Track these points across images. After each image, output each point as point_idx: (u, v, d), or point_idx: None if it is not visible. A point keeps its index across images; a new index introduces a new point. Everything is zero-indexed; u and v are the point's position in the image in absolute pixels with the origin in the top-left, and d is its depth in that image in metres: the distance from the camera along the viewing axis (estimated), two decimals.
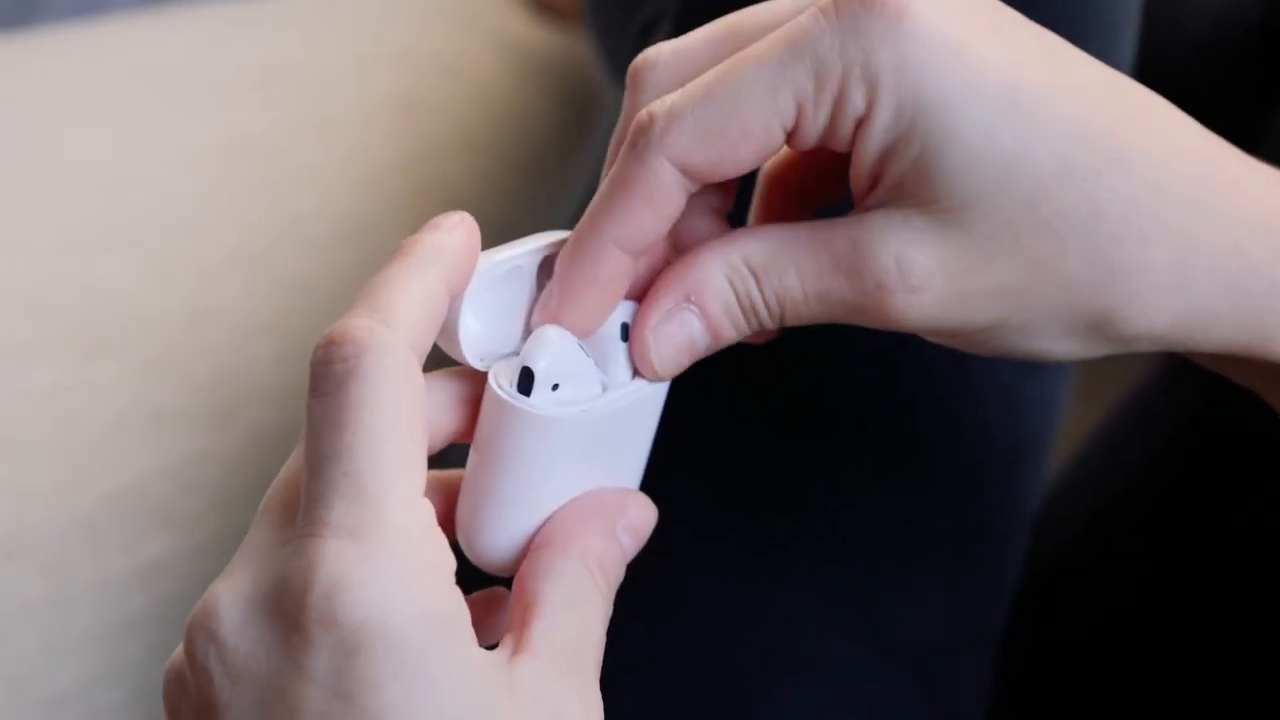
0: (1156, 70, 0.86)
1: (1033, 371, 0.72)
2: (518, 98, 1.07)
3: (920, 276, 0.50)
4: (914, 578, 0.71)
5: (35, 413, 0.85)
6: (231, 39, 1.03)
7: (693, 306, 0.52)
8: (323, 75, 1.02)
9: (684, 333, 0.52)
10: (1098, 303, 0.51)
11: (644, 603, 0.71)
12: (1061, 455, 0.90)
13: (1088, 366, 1.05)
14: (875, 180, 0.51)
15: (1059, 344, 0.52)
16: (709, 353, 0.53)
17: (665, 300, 0.52)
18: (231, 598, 0.46)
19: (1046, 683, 0.82)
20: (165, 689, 0.48)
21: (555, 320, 0.52)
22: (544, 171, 1.07)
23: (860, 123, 0.50)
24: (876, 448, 0.70)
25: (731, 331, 0.52)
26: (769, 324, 0.52)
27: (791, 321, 0.52)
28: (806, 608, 0.70)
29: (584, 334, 0.52)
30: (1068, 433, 0.92)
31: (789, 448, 0.70)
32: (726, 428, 0.70)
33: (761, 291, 0.51)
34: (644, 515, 0.53)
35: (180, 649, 0.47)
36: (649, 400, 0.53)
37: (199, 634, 0.46)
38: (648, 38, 0.78)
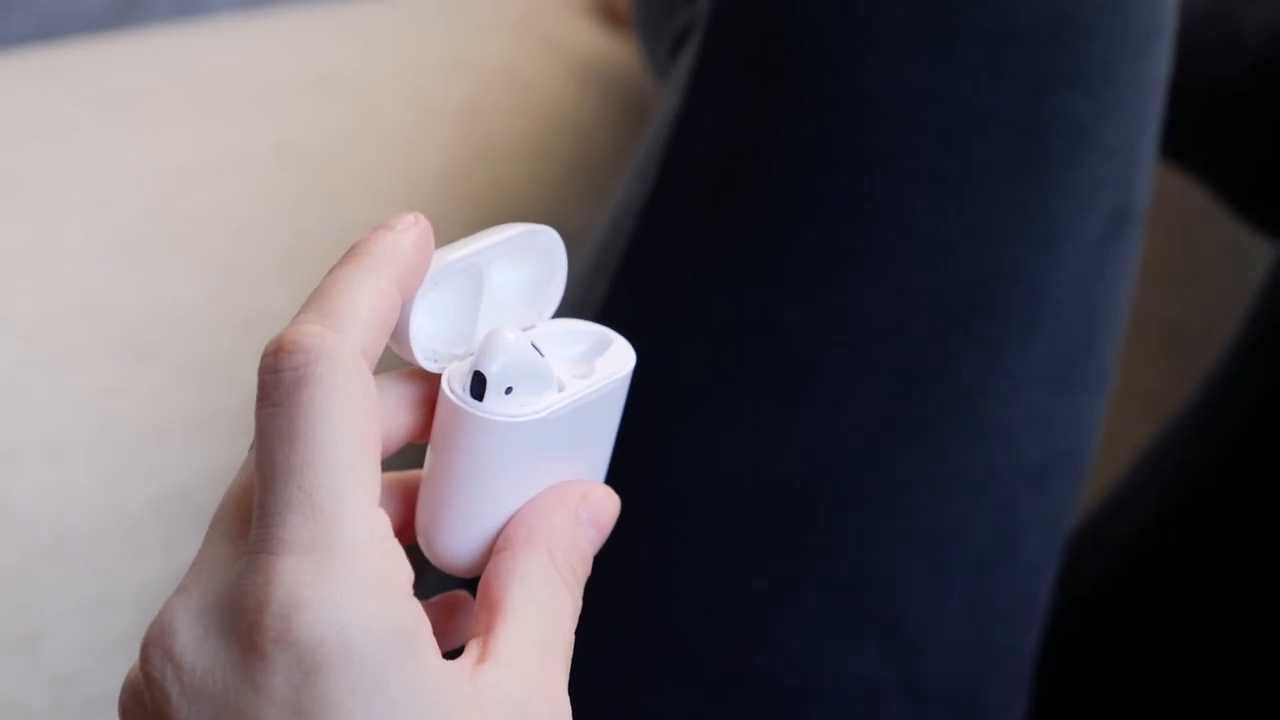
0: (1214, 87, 0.85)
1: (1064, 388, 0.71)
2: (577, 105, 1.07)
3: None
4: (939, 596, 0.70)
5: (83, 416, 0.86)
6: (289, 47, 1.04)
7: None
8: (380, 83, 1.03)
9: None
10: None
11: (660, 621, 0.70)
12: (1112, 476, 0.88)
13: (1145, 384, 1.04)
14: None
15: None
16: None
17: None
18: (186, 614, 0.46)
19: (1084, 707, 0.81)
20: (121, 706, 0.47)
21: None
22: (603, 178, 1.07)
23: None
24: (900, 465, 0.69)
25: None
26: None
27: None
28: (827, 627, 0.69)
29: None
30: (1120, 454, 0.91)
31: (814, 464, 0.70)
32: (745, 441, 0.70)
33: None
34: (607, 505, 0.52)
35: (137, 664, 0.47)
36: (609, 397, 0.52)
37: (155, 651, 0.46)
38: (681, 46, 0.78)
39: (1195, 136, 0.88)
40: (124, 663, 0.84)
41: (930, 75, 0.68)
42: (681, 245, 0.72)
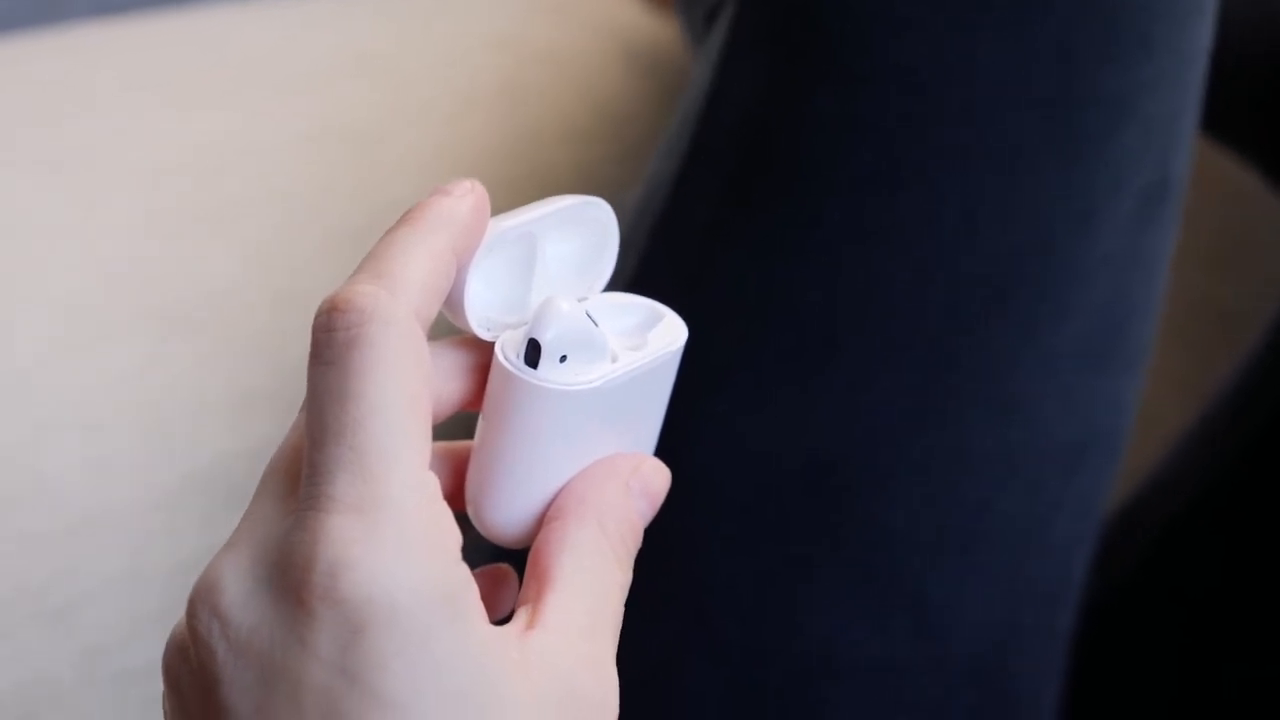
0: (1258, 60, 0.84)
1: (1096, 368, 0.71)
2: (619, 86, 1.06)
3: None
4: (966, 577, 0.70)
5: (121, 391, 0.86)
6: (332, 26, 1.04)
7: None
8: (423, 63, 1.02)
9: None
10: None
11: (682, 598, 0.70)
12: (1151, 459, 0.88)
13: (1185, 366, 1.03)
14: None
15: None
16: None
17: None
18: (234, 571, 0.46)
19: (1121, 690, 0.80)
20: (166, 661, 0.47)
21: None
22: (644, 160, 1.07)
23: None
24: (928, 442, 0.69)
25: None
26: None
27: None
28: (851, 605, 0.69)
29: None
30: (1160, 437, 0.90)
31: (839, 440, 0.69)
32: (770, 419, 0.70)
33: None
34: (658, 477, 0.51)
35: (182, 620, 0.47)
36: (661, 370, 0.52)
37: (202, 607, 0.46)
38: (716, 18, 0.77)
39: (1238, 112, 0.87)
40: (156, 637, 0.84)
41: (959, 49, 0.67)
42: (710, 220, 0.71)
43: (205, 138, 0.95)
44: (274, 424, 0.88)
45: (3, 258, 0.87)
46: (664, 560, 0.70)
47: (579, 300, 0.52)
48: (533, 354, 0.49)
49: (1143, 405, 0.75)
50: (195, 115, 0.96)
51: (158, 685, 0.48)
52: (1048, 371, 0.69)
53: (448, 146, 1.00)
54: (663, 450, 0.53)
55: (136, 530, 0.85)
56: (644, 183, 0.77)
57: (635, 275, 0.73)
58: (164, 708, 0.48)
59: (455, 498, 0.51)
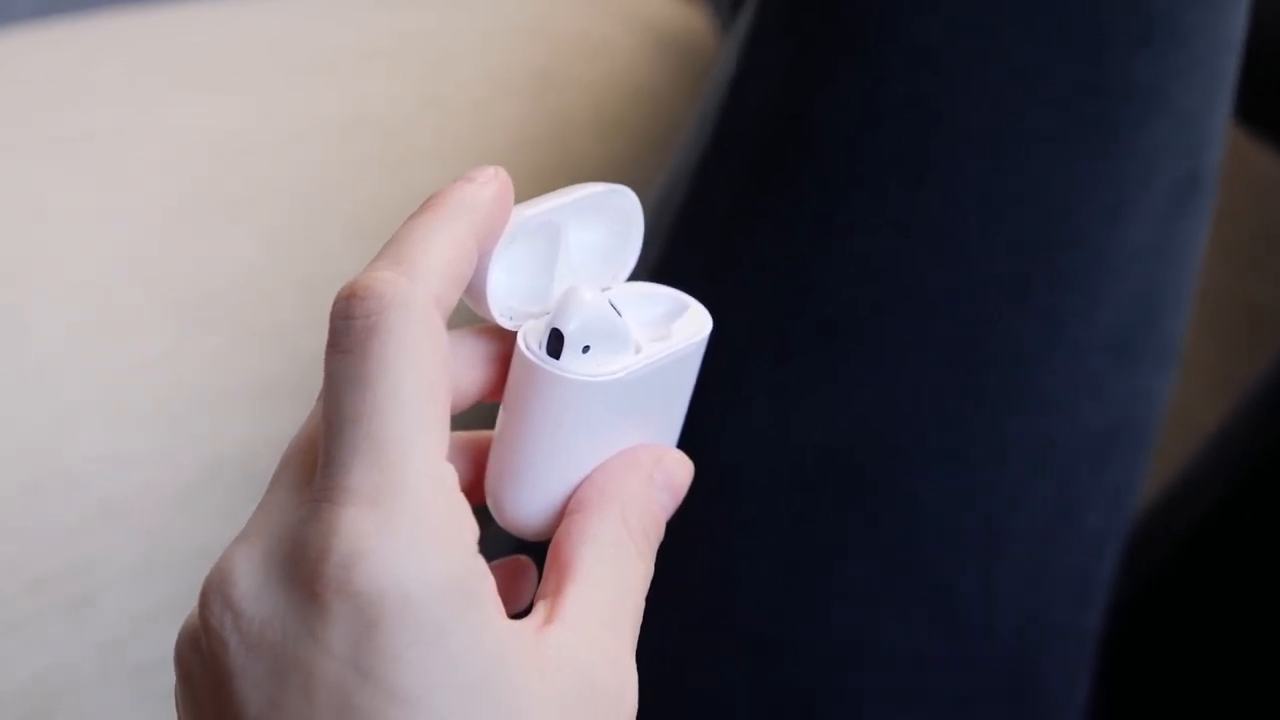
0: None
1: (1127, 362, 0.69)
2: (651, 74, 1.06)
3: None
4: (992, 568, 0.69)
5: (142, 379, 0.86)
6: (359, 12, 1.03)
7: None
8: (451, 50, 1.02)
9: None
10: None
11: (705, 589, 0.69)
12: (1184, 456, 0.87)
13: (1219, 362, 1.02)
14: None
15: None
16: None
17: None
18: (248, 562, 0.45)
19: (1149, 688, 0.79)
20: (178, 652, 0.47)
21: None
22: (675, 149, 1.06)
23: None
24: (955, 433, 0.68)
25: None
26: None
27: None
28: (875, 596, 0.68)
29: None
30: (1194, 433, 0.89)
31: (863, 432, 0.68)
32: (793, 408, 0.69)
33: None
34: (681, 470, 0.51)
35: (195, 611, 0.46)
36: (685, 361, 0.51)
37: (214, 598, 0.45)
38: (738, 8, 0.77)
39: (1271, 102, 0.85)
40: (175, 628, 0.83)
41: (984, 33, 0.66)
42: (734, 207, 0.71)
43: (230, 124, 0.95)
44: (295, 413, 0.88)
45: (23, 246, 0.86)
46: (687, 552, 0.69)
47: (603, 290, 0.52)
48: (555, 344, 0.49)
49: (1174, 401, 0.74)
50: (221, 101, 0.96)
51: (172, 679, 0.48)
52: (1077, 364, 0.68)
53: (476, 134, 0.99)
54: (687, 441, 0.52)
55: (156, 521, 0.85)
56: (668, 171, 0.76)
57: (659, 264, 0.72)
58: (176, 699, 0.47)
59: (475, 490, 0.51)
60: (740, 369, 0.69)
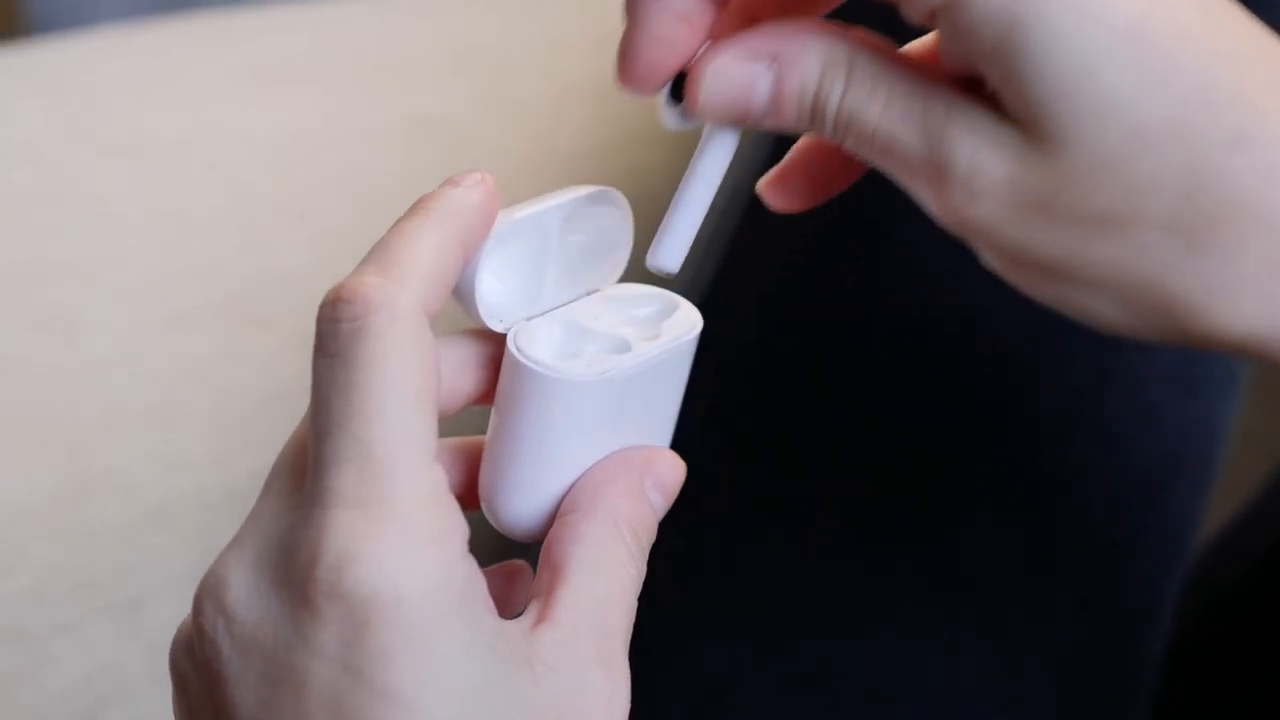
0: None
1: (1184, 390, 0.68)
2: None
3: (984, 184, 0.46)
4: (1045, 600, 0.67)
5: (192, 382, 0.86)
6: (424, 19, 1.03)
7: (773, 68, 0.48)
8: (515, 59, 1.02)
9: (747, 85, 0.48)
10: (1169, 285, 0.46)
11: (749, 617, 0.68)
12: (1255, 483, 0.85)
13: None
14: (974, 78, 0.47)
15: (1114, 311, 0.47)
16: (754, 123, 0.49)
17: (751, 45, 0.48)
18: (240, 567, 0.45)
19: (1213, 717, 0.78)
20: (172, 659, 0.48)
21: (621, 58, 0.50)
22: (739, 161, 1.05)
23: (935, 13, 0.46)
24: (1004, 462, 0.67)
25: (790, 116, 0.48)
26: (826, 132, 0.48)
27: (844, 145, 0.48)
28: (923, 627, 0.67)
29: (647, 84, 0.50)
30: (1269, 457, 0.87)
31: (911, 461, 0.67)
32: (848, 436, 0.68)
33: (843, 98, 0.48)
34: (672, 472, 0.50)
35: (189, 618, 0.47)
36: (676, 360, 0.51)
37: (207, 604, 0.46)
38: None
39: None
40: None
41: None
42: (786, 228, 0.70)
43: (291, 128, 0.95)
44: None
45: (79, 247, 0.87)
46: (725, 578, 0.68)
47: (592, 291, 0.52)
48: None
49: (1248, 427, 0.72)
50: (283, 105, 0.96)
51: None
52: (1134, 390, 0.67)
53: (539, 143, 0.99)
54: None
55: (205, 524, 0.85)
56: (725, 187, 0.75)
57: (715, 281, 0.72)
58: (173, 705, 0.48)
59: (468, 494, 0.51)
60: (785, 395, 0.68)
